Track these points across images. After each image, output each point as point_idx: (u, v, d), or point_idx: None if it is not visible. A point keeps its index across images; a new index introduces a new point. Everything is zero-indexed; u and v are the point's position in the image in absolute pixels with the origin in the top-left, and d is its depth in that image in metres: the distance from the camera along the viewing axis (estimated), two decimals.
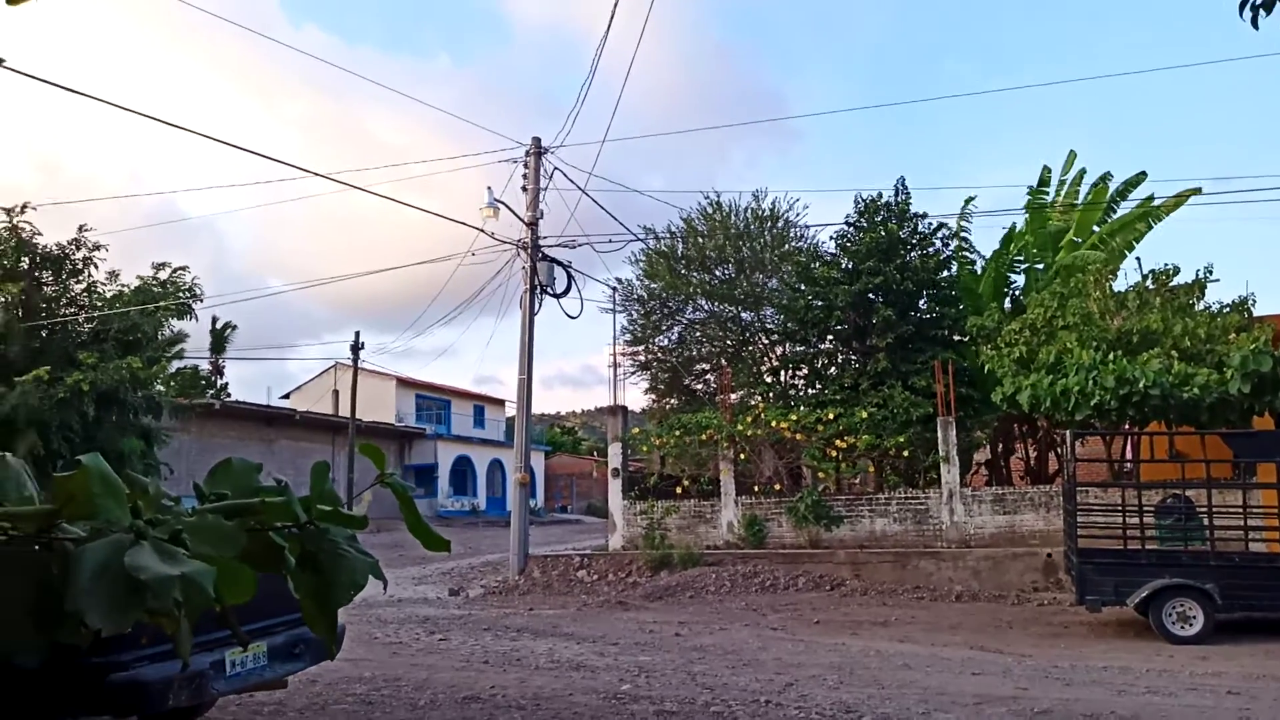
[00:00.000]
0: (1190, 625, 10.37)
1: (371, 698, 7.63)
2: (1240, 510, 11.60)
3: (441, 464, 43.72)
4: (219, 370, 42.82)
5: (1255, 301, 15.97)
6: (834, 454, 17.64)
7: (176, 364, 24.96)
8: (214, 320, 40.79)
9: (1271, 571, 10.84)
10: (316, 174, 21.40)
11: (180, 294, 19.80)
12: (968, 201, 20.96)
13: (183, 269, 20.10)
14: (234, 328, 42.45)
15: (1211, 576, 10.51)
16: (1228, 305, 15.99)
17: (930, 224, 20.35)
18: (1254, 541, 11.89)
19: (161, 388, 20.43)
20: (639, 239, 25.04)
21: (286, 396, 45.43)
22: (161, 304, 19.42)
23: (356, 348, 36.85)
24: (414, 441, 43.61)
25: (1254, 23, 4.10)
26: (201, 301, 20.51)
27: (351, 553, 2.12)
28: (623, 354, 26.74)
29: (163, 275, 19.93)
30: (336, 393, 40.32)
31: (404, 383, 45.27)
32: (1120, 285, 16.74)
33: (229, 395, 39.96)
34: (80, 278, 19.43)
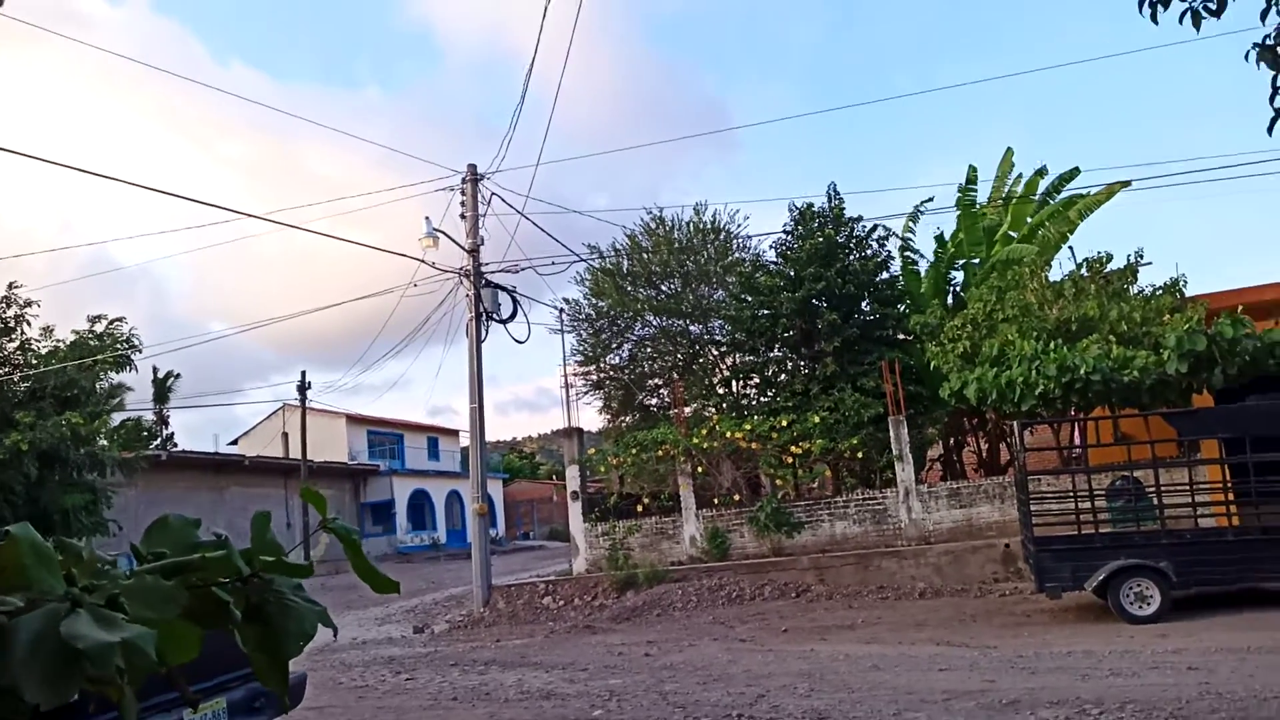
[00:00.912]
0: (1148, 605, 10.57)
1: None
2: (1188, 487, 11.89)
3: (398, 499, 43.17)
4: (163, 420, 41.98)
5: (1186, 283, 16.36)
6: (790, 461, 17.74)
7: (119, 417, 24.41)
8: (155, 370, 40.04)
9: (1222, 545, 11.08)
10: (249, 215, 21.08)
11: (118, 345, 19.40)
12: (923, 203, 21.42)
13: (119, 320, 19.73)
14: (177, 376, 41.67)
15: (1165, 555, 10.72)
16: (1160, 288, 16.38)
17: (865, 227, 20.65)
18: (1203, 517, 12.19)
19: (105, 442, 19.95)
20: (582, 259, 25.04)
21: (235, 442, 44.62)
22: (99, 357, 19.00)
23: (304, 388, 36.35)
24: (368, 479, 43.04)
25: (1153, 18, 4.24)
26: (140, 352, 20.12)
27: (299, 602, 2.06)
28: (574, 374, 26.67)
29: (99, 328, 19.52)
30: (286, 435, 39.68)
31: (354, 420, 44.69)
32: (1056, 275, 17.07)
33: (175, 445, 39.19)
34: (13, 336, 18.95)
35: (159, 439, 40.02)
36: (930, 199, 21.21)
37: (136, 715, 1.87)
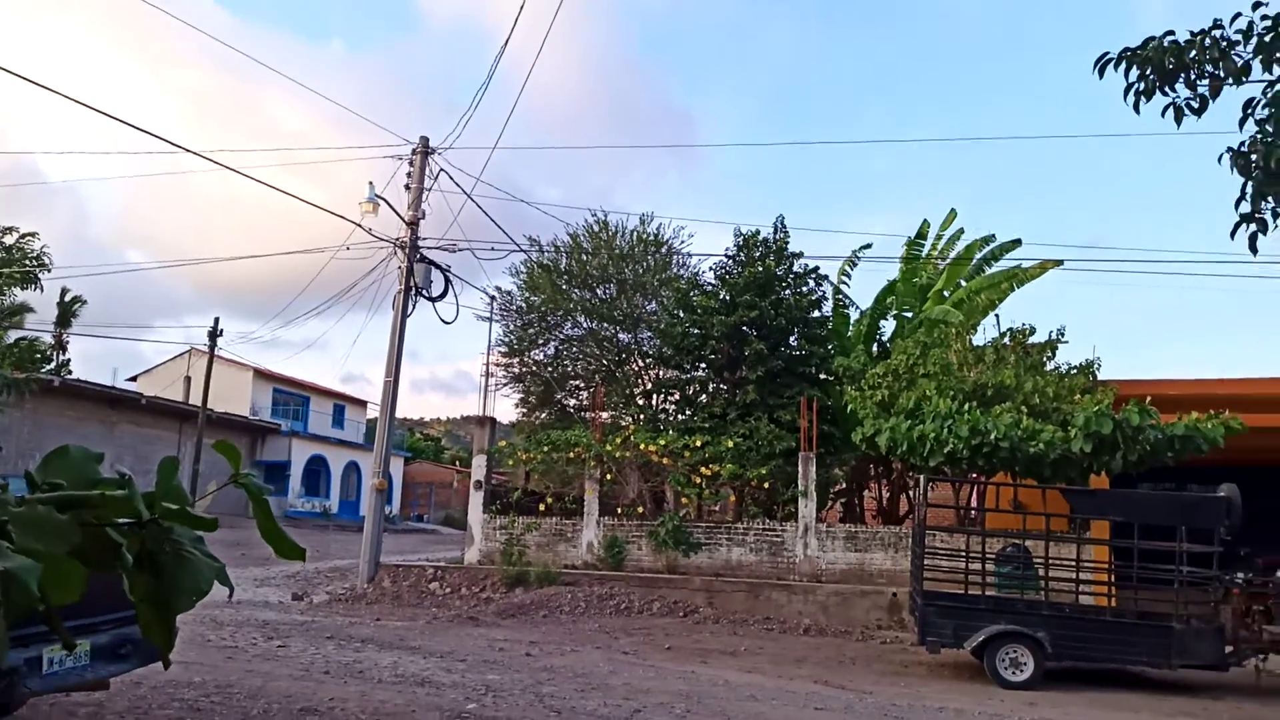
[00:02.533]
0: (1021, 671, 10.83)
1: (200, 704, 7.21)
2: (1074, 563, 12.25)
3: (295, 462, 42.18)
4: (62, 345, 40.26)
5: (1100, 366, 16.93)
6: (698, 481, 17.81)
7: (14, 334, 23.35)
8: (63, 292, 38.40)
9: (1098, 624, 11.42)
10: (188, 150, 20.41)
11: (26, 261, 18.58)
12: (861, 248, 21.74)
13: (30, 235, 18.89)
14: (83, 302, 40.00)
15: (1043, 625, 11.01)
16: (1075, 367, 16.90)
17: (805, 264, 20.92)
18: (1084, 594, 12.57)
19: None
20: (523, 250, 24.84)
21: (134, 379, 43.09)
22: (3, 270, 18.17)
23: (215, 334, 35.32)
24: (267, 437, 41.97)
25: (1135, 108, 4.36)
26: (49, 271, 19.32)
27: (197, 555, 1.95)
28: (496, 364, 26.45)
29: (8, 240, 18.67)
30: (189, 379, 38.49)
31: (262, 375, 43.59)
32: (980, 340, 17.49)
33: (70, 373, 37.62)
34: None
35: (54, 363, 38.38)
36: (869, 245, 21.61)
37: (6, 649, 1.75)
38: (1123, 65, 4.52)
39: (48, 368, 35.92)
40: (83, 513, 1.85)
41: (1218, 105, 4.58)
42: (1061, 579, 12.27)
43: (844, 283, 21.72)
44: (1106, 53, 4.85)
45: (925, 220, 21.14)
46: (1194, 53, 4.36)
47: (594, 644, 12.47)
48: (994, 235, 20.85)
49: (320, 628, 12.59)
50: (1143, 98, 4.44)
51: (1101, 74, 4.87)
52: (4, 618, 1.56)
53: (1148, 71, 4.43)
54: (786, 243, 20.85)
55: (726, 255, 21.25)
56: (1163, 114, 4.49)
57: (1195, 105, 4.48)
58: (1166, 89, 4.68)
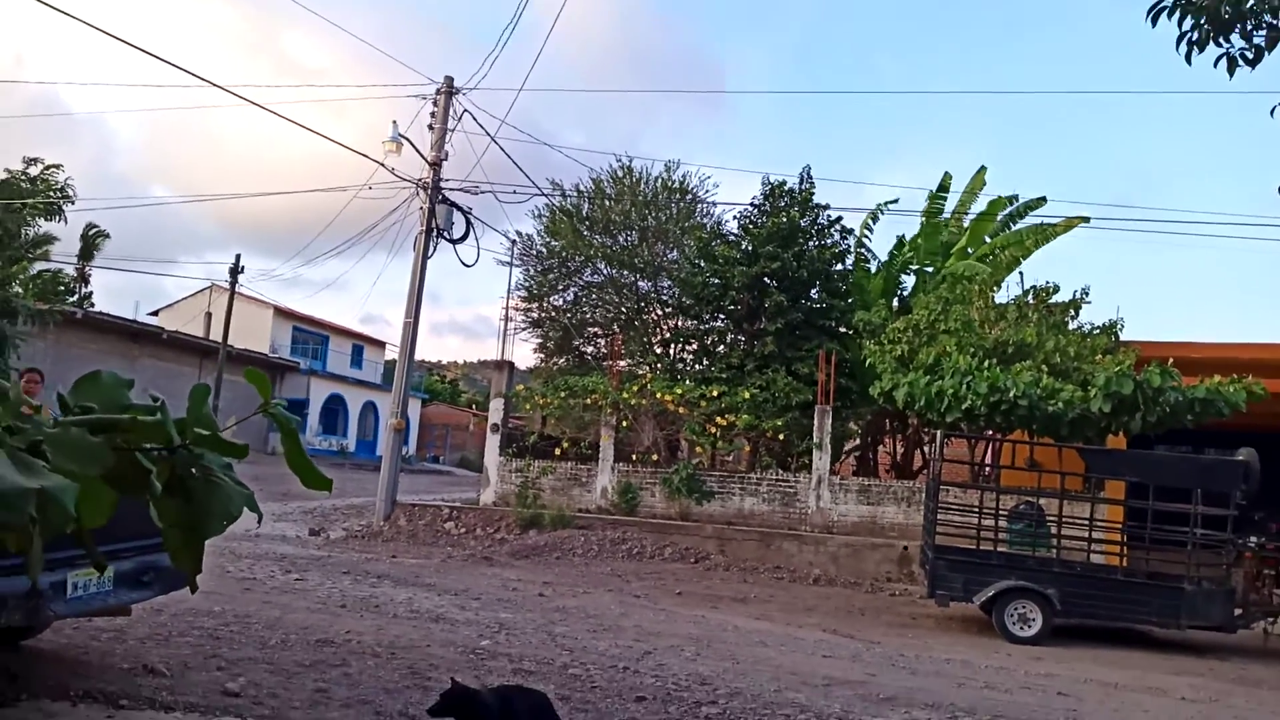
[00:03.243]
0: (1029, 626, 10.91)
1: (219, 633, 7.36)
2: (1087, 522, 12.27)
3: (313, 401, 42.55)
4: (84, 278, 40.46)
5: (1123, 326, 16.78)
6: (713, 430, 17.87)
7: (38, 266, 23.51)
8: (87, 226, 38.52)
9: (1109, 583, 11.46)
10: (213, 84, 20.33)
11: (51, 192, 18.63)
12: (887, 203, 21.46)
13: (55, 166, 18.91)
14: (106, 235, 40.12)
15: (1053, 582, 11.07)
16: (1098, 327, 16.76)
17: (830, 216, 20.73)
18: (1096, 553, 12.61)
19: (20, 289, 19.23)
20: (544, 194, 24.70)
21: (155, 314, 43.39)
22: (28, 201, 18.23)
23: (236, 270, 35.50)
24: (286, 374, 42.27)
25: (1187, 58, 4.26)
26: (73, 203, 19.37)
27: (226, 482, 1.98)
28: (515, 309, 26.44)
29: (33, 170, 18.70)
30: (210, 315, 38.77)
31: (282, 313, 43.82)
32: (1002, 297, 17.34)
33: (93, 305, 37.89)
34: None
35: (76, 296, 38.65)
36: (895, 200, 21.35)
37: (40, 567, 1.78)
38: (1177, 13, 4.40)
39: (70, 300, 36.20)
40: (115, 436, 1.87)
41: (1271, 59, 4.47)
42: (1074, 537, 12.28)
43: (866, 236, 21.52)
44: None
45: (947, 173, 20.82)
46: (1252, 2, 4.25)
47: (606, 587, 12.63)
48: (1018, 195, 20.55)
49: (337, 563, 12.80)
50: (1195, 48, 4.34)
51: (1155, 22, 4.73)
52: (39, 535, 1.59)
53: (1202, 20, 4.32)
54: (812, 194, 20.64)
55: (752, 204, 21.08)
56: (1215, 64, 4.38)
57: (1250, 56, 4.37)
58: (1221, 39, 4.57)
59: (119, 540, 5.15)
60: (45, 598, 4.73)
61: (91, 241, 39.66)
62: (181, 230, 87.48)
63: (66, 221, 19.64)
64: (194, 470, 1.92)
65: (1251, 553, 11.93)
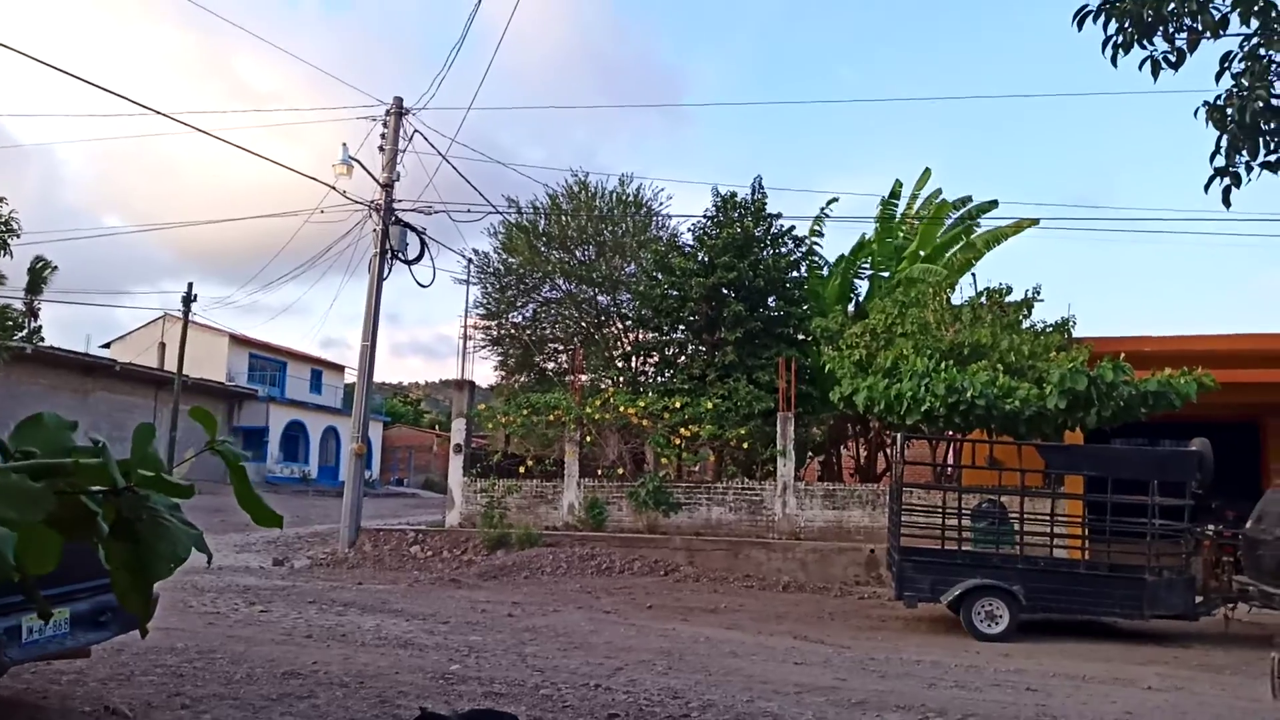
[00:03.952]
0: (997, 624, 11.02)
1: (183, 670, 7.23)
2: (1048, 518, 12.42)
3: (273, 428, 42.02)
4: (33, 312, 39.64)
5: (1075, 324, 17.05)
6: (678, 442, 17.88)
7: None
8: (35, 259, 37.77)
9: (1072, 576, 11.62)
10: (159, 112, 20.05)
11: None
12: (829, 203, 21.66)
13: None
14: (54, 268, 39.32)
15: (1018, 579, 11.19)
16: (1050, 325, 17.02)
17: (783, 225, 20.91)
18: (1058, 547, 12.77)
19: None
20: (499, 211, 24.66)
21: (107, 346, 42.61)
22: None
23: (188, 300, 34.94)
24: (244, 402, 41.73)
25: (1113, 61, 4.35)
26: (18, 236, 18.94)
27: (174, 523, 1.94)
28: (474, 327, 26.34)
29: None
30: (164, 345, 38.19)
31: (237, 340, 43.23)
32: (957, 299, 17.55)
33: (43, 340, 37.14)
34: None
35: (25, 330, 37.86)
36: (835, 199, 21.42)
37: None
38: (1101, 17, 4.50)
39: (19, 335, 35.46)
40: (57, 481, 1.83)
41: (1194, 59, 4.58)
42: (1036, 533, 12.44)
43: (816, 242, 21.70)
44: (1085, 4, 4.83)
45: (898, 180, 21.10)
46: (1172, 5, 4.36)
47: (576, 604, 12.57)
48: (970, 196, 20.88)
49: (302, 592, 12.62)
50: (1120, 50, 4.43)
51: (1080, 26, 4.85)
52: None
53: (1126, 24, 4.42)
54: (765, 203, 20.82)
55: (705, 216, 21.20)
56: (1140, 67, 4.49)
57: (1173, 59, 4.48)
58: (1145, 42, 4.68)
59: (73, 581, 5.04)
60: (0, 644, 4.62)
61: (39, 275, 38.83)
62: (135, 260, 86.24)
63: (12, 256, 19.22)
64: (140, 512, 1.88)
65: (1210, 541, 12.14)
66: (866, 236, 21.32)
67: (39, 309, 39.66)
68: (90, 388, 33.30)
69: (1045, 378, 14.35)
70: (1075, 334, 16.94)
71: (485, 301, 26.97)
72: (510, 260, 26.51)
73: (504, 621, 10.80)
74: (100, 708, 5.91)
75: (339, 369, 50.66)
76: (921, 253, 20.14)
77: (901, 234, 20.95)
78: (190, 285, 34.85)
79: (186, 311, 35.04)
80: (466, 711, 5.49)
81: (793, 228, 21.04)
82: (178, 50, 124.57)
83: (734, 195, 20.88)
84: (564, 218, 26.02)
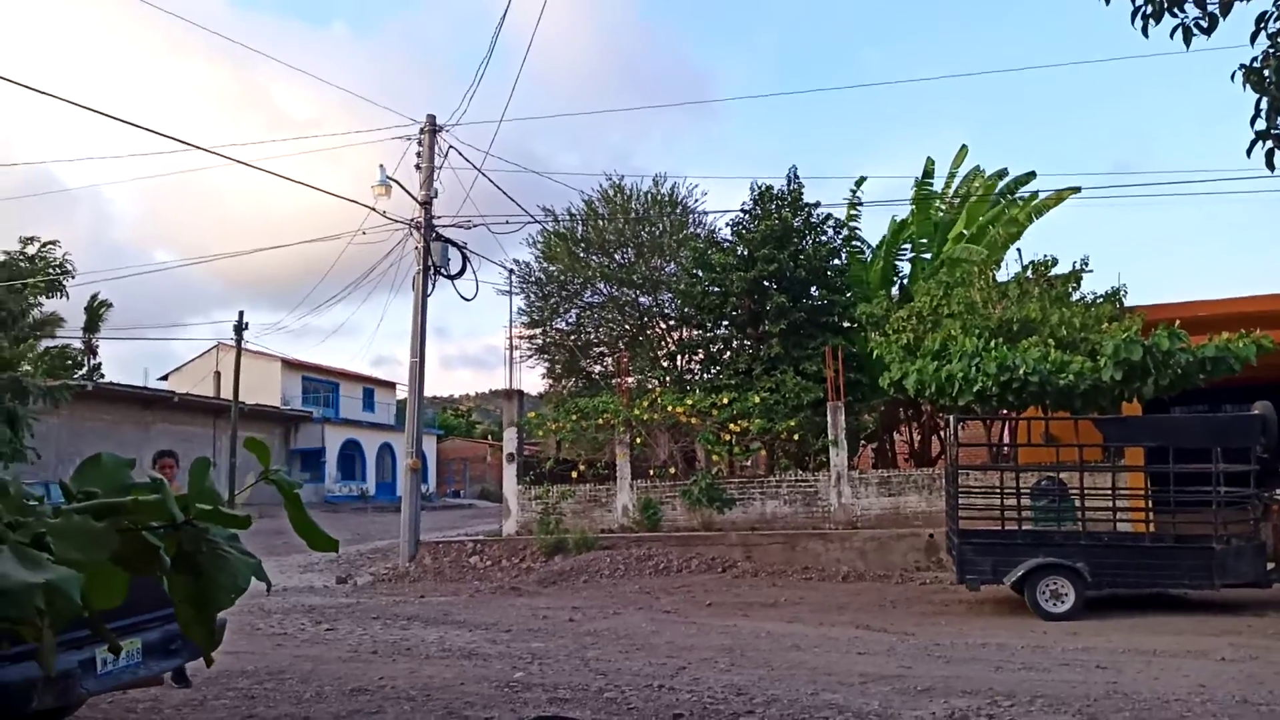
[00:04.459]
0: (1062, 602, 10.85)
1: (254, 692, 7.39)
2: (1109, 492, 12.22)
3: (329, 448, 42.67)
4: (92, 350, 40.73)
5: (1126, 293, 16.73)
6: (728, 438, 17.86)
7: (46, 342, 23.69)
8: (92, 297, 38.79)
9: (1137, 550, 11.42)
10: (198, 147, 20.49)
11: (50, 269, 18.77)
12: (858, 184, 21.31)
13: (53, 243, 19.07)
14: (109, 305, 40.40)
15: (1082, 555, 11.01)
16: (1101, 296, 16.72)
17: (821, 213, 20.76)
18: (1121, 521, 12.56)
19: (29, 368, 19.35)
20: (536, 220, 24.84)
21: (165, 378, 43.64)
22: (29, 280, 18.37)
23: (240, 328, 35.62)
24: (300, 425, 42.44)
25: (1144, 31, 4.28)
26: (73, 277, 19.50)
27: (233, 553, 2.00)
28: (520, 337, 26.51)
29: (30, 249, 18.86)
30: (219, 374, 38.97)
31: (290, 364, 43.97)
32: (1002, 276, 17.31)
33: (103, 376, 38.13)
34: None
35: (86, 368, 38.89)
36: (864, 179, 21.04)
37: (54, 658, 1.81)
38: None
39: (80, 373, 36.41)
40: (119, 519, 1.90)
41: (1229, 21, 4.48)
42: (1098, 508, 12.23)
43: (855, 228, 21.47)
44: None
45: (930, 158, 20.77)
46: None
47: (635, 605, 12.62)
48: (1007, 169, 20.53)
49: (366, 609, 12.82)
50: (1151, 20, 4.36)
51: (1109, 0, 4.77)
52: (49, 628, 1.62)
53: None
54: (801, 193, 20.69)
55: (742, 210, 21.12)
56: (1171, 35, 4.40)
57: (1204, 24, 4.39)
58: (1175, 9, 4.59)
59: (142, 611, 5.18)
60: (76, 676, 4.76)
61: (95, 313, 39.94)
62: (187, 292, 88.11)
63: (68, 297, 19.78)
64: (200, 545, 1.95)
65: (1278, 505, 11.86)
66: (900, 219, 21.05)
67: (97, 346, 40.81)
68: (151, 420, 34.08)
69: (1099, 350, 14.10)
70: (1127, 303, 16.62)
71: (529, 310, 27.14)
72: (551, 268, 26.64)
73: (565, 627, 10.87)
74: None
75: (390, 386, 51.31)
76: (965, 231, 19.88)
77: (941, 213, 20.69)
78: (241, 314, 35.47)
79: (239, 339, 35.72)
80: (533, 718, 5.55)
81: (829, 215, 20.91)
82: (211, 84, 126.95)
83: (770, 188, 20.79)
84: (600, 222, 26.10)
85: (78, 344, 38.57)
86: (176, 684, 7.20)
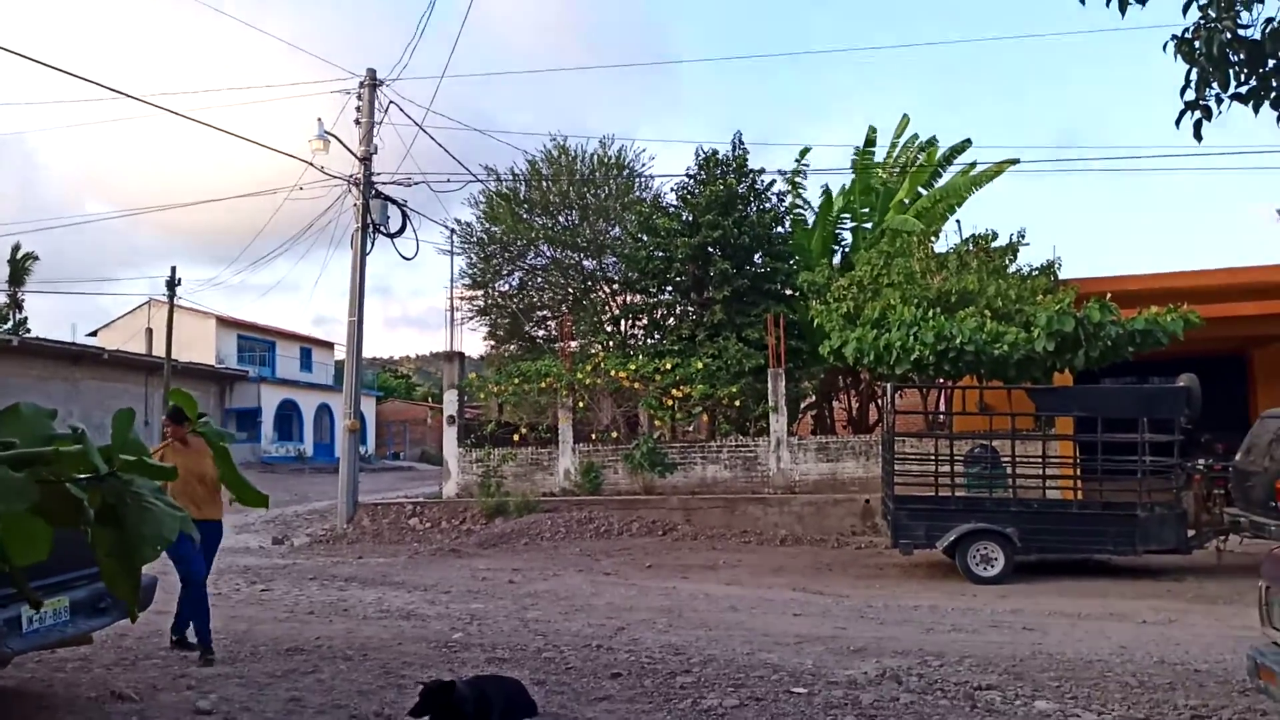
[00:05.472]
0: (992, 566, 11.14)
1: (187, 653, 7.27)
2: (1040, 460, 12.53)
3: (265, 408, 41.92)
4: (17, 304, 39.50)
5: (1061, 266, 17.10)
6: (670, 403, 17.93)
7: None
8: (14, 250, 37.51)
9: (1065, 516, 11.74)
10: (132, 96, 19.82)
11: None
12: (802, 154, 21.35)
13: None
14: (35, 258, 39.16)
15: (1012, 521, 11.29)
16: (1036, 269, 17.05)
17: (765, 180, 20.80)
18: (1051, 489, 12.90)
19: None
20: (479, 179, 24.51)
21: (94, 334, 42.41)
22: None
23: (173, 283, 34.70)
24: (235, 384, 41.59)
25: (1121, 7, 4.32)
26: None
27: (158, 505, 1.95)
28: (461, 298, 26.25)
29: None
30: (150, 331, 37.95)
31: (225, 322, 43.02)
32: (941, 247, 17.55)
33: (29, 331, 36.99)
34: None
35: (10, 322, 37.68)
36: (808, 149, 21.09)
37: None
38: None
39: (4, 328, 35.27)
40: (39, 470, 1.83)
41: None
42: (1029, 476, 12.55)
43: (799, 196, 21.53)
44: None
45: (872, 127, 20.86)
46: None
47: (576, 567, 12.68)
48: (936, 138, 20.66)
49: (302, 570, 12.69)
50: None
51: None
52: None
53: None
54: (746, 159, 20.67)
55: (688, 175, 21.06)
56: (1106, 4, 4.45)
57: None
58: None
59: (70, 569, 5.06)
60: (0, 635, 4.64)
61: (20, 265, 38.67)
62: (119, 246, 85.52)
63: None
64: (124, 497, 1.89)
65: (1200, 475, 12.26)
66: (841, 187, 21.16)
67: (23, 301, 39.54)
68: (80, 376, 33.15)
69: (1033, 321, 14.40)
70: (1061, 276, 16.98)
71: (471, 272, 26.88)
72: (493, 229, 26.37)
73: (505, 588, 10.88)
74: (106, 693, 5.95)
75: (329, 346, 50.50)
76: (906, 201, 20.08)
77: (880, 182, 20.82)
78: (174, 269, 34.70)
79: (171, 295, 34.81)
80: (471, 678, 5.55)
81: (773, 182, 20.96)
82: (146, 31, 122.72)
83: (715, 153, 20.75)
84: (545, 183, 25.85)
85: (2, 298, 37.36)
86: (179, 648, 7.12)
